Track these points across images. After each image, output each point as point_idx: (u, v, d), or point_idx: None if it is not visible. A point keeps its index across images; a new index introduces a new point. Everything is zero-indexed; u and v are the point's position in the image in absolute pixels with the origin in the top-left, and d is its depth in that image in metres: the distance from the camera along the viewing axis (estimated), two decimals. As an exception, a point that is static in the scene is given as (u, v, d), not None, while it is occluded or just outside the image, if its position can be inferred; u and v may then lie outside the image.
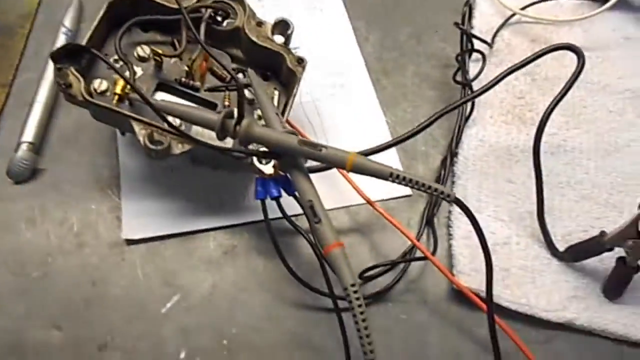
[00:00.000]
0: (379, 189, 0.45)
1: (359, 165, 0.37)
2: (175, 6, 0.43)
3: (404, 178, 0.36)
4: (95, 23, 0.42)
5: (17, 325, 0.39)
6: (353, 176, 0.45)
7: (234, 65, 0.47)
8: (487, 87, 0.44)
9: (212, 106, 0.45)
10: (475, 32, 0.57)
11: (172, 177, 0.46)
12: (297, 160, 0.39)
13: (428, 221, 0.46)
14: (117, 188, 0.45)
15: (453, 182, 0.49)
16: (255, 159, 0.40)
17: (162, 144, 0.39)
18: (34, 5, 0.55)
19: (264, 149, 0.40)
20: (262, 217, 0.41)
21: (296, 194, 0.40)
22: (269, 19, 0.46)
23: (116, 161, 0.47)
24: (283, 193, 0.40)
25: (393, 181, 0.36)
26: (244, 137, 0.38)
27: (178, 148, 0.40)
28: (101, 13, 0.42)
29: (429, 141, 0.51)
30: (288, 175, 0.40)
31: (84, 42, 0.41)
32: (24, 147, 0.45)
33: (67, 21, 0.53)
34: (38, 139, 0.46)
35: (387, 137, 0.51)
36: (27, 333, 0.39)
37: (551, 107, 0.44)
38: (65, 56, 0.37)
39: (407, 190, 0.48)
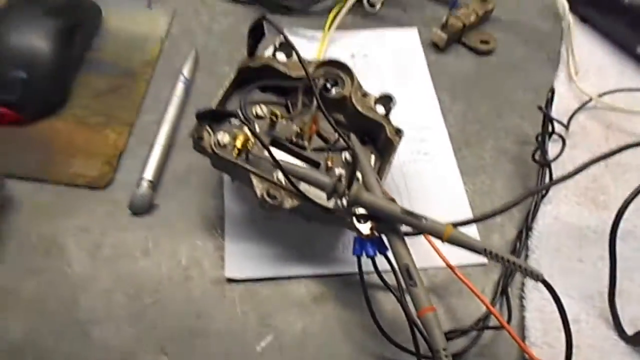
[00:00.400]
0: (455, 255, 0.48)
1: (455, 237, 0.41)
2: (298, 75, 0.49)
3: (497, 255, 0.40)
4: (226, 84, 0.48)
5: (130, 347, 0.44)
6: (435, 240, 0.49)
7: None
8: (571, 174, 0.48)
9: (315, 165, 0.50)
10: (552, 113, 0.61)
11: (271, 224, 0.51)
12: (395, 225, 0.43)
13: (503, 290, 0.50)
14: (222, 229, 0.50)
15: (527, 256, 0.52)
16: (355, 219, 0.44)
17: (277, 199, 0.44)
18: (156, 54, 0.62)
19: (363, 211, 0.44)
20: (349, 270, 0.45)
21: (388, 254, 0.44)
22: (369, 84, 0.51)
23: (222, 204, 0.52)
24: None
25: (486, 256, 0.40)
26: (352, 201, 0.43)
27: (289, 203, 0.45)
28: (232, 77, 0.48)
29: (506, 214, 0.55)
30: (383, 237, 0.44)
31: (216, 103, 0.46)
32: (144, 183, 0.51)
33: (185, 70, 0.60)
34: (156, 178, 0.52)
35: (465, 205, 0.55)
36: (138, 355, 0.44)
37: (631, 198, 0.47)
38: (207, 117, 0.42)
39: (483, 259, 0.52)
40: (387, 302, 0.48)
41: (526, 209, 0.55)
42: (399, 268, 0.42)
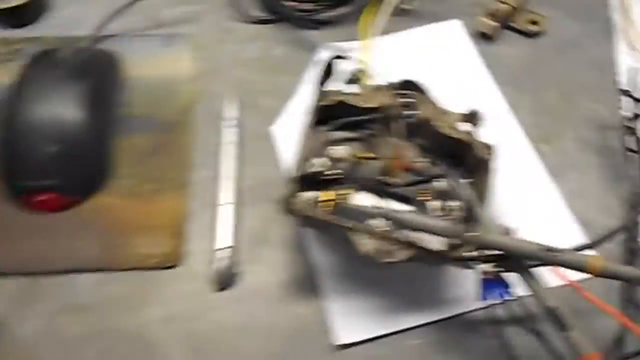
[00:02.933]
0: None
1: (609, 271, 0.36)
2: (372, 105, 0.43)
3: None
4: (305, 135, 0.42)
5: None
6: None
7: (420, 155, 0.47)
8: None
9: (406, 200, 0.45)
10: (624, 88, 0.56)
11: (371, 273, 0.46)
12: (524, 262, 0.39)
13: (628, 299, 0.46)
14: (316, 287, 0.45)
15: (645, 257, 0.48)
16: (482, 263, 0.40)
17: (390, 255, 0.39)
18: (189, 97, 0.56)
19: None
20: (466, 308, 0.41)
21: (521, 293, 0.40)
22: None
23: (310, 259, 0.47)
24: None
25: (643, 285, 0.36)
26: (477, 245, 0.38)
27: (404, 255, 0.40)
28: (310, 124, 0.43)
29: (606, 212, 0.51)
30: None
31: (301, 161, 0.41)
32: (223, 252, 0.45)
33: (228, 112, 0.54)
34: (234, 242, 0.46)
35: (562, 210, 0.51)
36: None
37: None
38: (306, 181, 0.37)
39: (600, 268, 0.48)
40: (522, 342, 0.43)
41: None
42: (548, 312, 0.38)
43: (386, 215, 0.39)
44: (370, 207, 0.39)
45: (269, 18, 0.62)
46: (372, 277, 0.46)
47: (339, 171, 0.42)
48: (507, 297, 0.39)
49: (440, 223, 0.38)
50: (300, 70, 0.58)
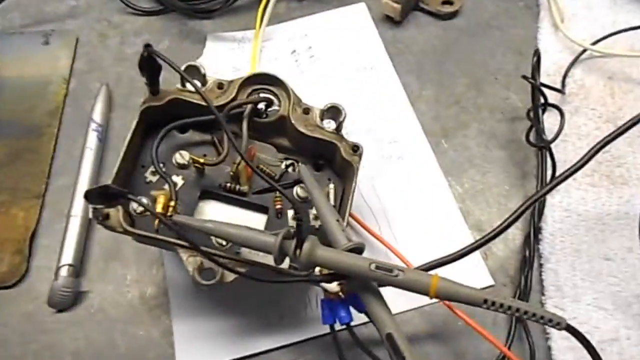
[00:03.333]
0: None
1: (446, 291, 0.31)
2: (218, 103, 0.38)
3: (503, 305, 0.30)
4: (128, 137, 0.38)
5: None
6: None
7: (281, 156, 0.42)
8: (578, 166, 0.38)
9: (263, 210, 0.40)
10: (542, 76, 0.50)
11: (224, 291, 0.41)
12: (369, 282, 0.34)
13: (518, 317, 0.40)
14: (167, 306, 0.41)
15: (541, 265, 0.42)
16: (316, 282, 0.35)
17: (214, 276, 0.35)
18: (60, 99, 0.52)
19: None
20: (324, 330, 0.36)
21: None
22: (319, 83, 0.41)
23: (163, 274, 0.42)
24: (353, 312, 0.35)
25: (488, 308, 0.31)
26: (306, 263, 0.33)
27: (231, 276, 0.35)
28: (134, 125, 0.38)
29: (506, 214, 0.45)
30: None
31: (113, 175, 0.36)
32: (63, 271, 0.41)
33: (96, 115, 0.49)
34: (78, 260, 0.42)
35: (456, 214, 0.45)
36: None
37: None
38: (99, 197, 0.32)
39: (488, 280, 0.42)
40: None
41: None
42: (382, 338, 0.33)
43: (205, 230, 0.34)
44: (195, 220, 0.35)
45: (157, 9, 0.57)
46: (222, 298, 0.41)
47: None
48: (345, 321, 0.34)
49: (262, 237, 0.33)
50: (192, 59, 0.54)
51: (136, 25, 0.57)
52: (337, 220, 0.36)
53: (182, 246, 0.35)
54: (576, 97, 0.50)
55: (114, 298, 0.42)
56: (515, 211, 0.37)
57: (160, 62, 0.36)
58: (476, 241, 0.36)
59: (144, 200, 0.38)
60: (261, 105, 0.41)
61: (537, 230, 0.43)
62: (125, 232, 0.35)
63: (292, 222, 0.40)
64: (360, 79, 0.53)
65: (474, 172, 0.47)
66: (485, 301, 0.31)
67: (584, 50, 0.52)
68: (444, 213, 0.45)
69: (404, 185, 0.47)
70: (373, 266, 0.32)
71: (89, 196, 0.32)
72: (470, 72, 0.53)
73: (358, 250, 0.35)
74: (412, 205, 0.46)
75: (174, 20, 0.57)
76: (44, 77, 0.53)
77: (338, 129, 0.41)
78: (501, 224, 0.37)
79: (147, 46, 0.34)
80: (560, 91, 0.49)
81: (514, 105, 0.51)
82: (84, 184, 0.46)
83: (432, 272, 0.35)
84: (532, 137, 0.46)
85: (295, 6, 0.58)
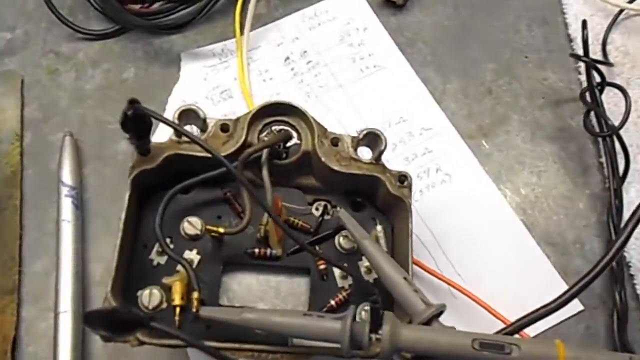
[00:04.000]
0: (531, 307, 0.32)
1: (577, 362, 0.24)
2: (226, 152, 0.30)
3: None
4: (122, 217, 0.29)
5: None
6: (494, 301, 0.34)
7: (309, 197, 0.34)
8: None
9: (303, 272, 0.33)
10: (573, 45, 0.44)
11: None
12: None
13: (623, 343, 0.34)
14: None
15: (632, 277, 0.36)
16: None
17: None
18: (16, 160, 0.42)
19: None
20: None
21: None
22: (323, 94, 0.33)
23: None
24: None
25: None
26: (389, 350, 0.26)
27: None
28: (126, 200, 0.29)
29: (577, 219, 0.39)
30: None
31: (115, 258, 0.28)
32: (66, 389, 0.33)
33: (66, 176, 0.40)
34: (80, 369, 0.34)
35: (519, 229, 0.38)
36: None
37: None
38: (106, 325, 0.24)
39: (576, 305, 0.36)
40: None
41: (601, 205, 0.38)
42: None
43: (246, 324, 0.26)
44: (229, 313, 0.27)
45: (113, 29, 0.47)
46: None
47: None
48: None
49: (323, 323, 0.26)
50: (163, 91, 0.45)
51: (91, 53, 0.47)
52: (405, 279, 0.29)
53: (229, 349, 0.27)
54: (623, 67, 0.44)
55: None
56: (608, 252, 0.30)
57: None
58: (577, 282, 0.29)
59: (155, 292, 0.29)
60: (279, 146, 0.33)
61: (618, 235, 0.37)
62: (142, 344, 0.27)
63: (341, 283, 0.32)
64: (370, 83, 0.44)
65: (528, 175, 0.41)
66: (631, 368, 0.24)
67: (621, 11, 0.45)
68: (506, 230, 0.38)
69: (450, 203, 0.39)
70: (477, 344, 0.25)
71: (90, 323, 0.23)
72: (496, 54, 0.46)
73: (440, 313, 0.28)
74: (466, 227, 0.39)
75: (136, 40, 0.48)
76: (-10, 135, 0.43)
77: (378, 159, 0.33)
78: (599, 263, 0.30)
79: (132, 102, 0.25)
80: (608, 63, 0.42)
81: (554, 87, 0.44)
82: (67, 269, 0.37)
83: (527, 329, 0.28)
84: (590, 124, 0.39)
85: (277, 3, 0.49)
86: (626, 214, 0.38)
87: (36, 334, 0.36)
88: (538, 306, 0.29)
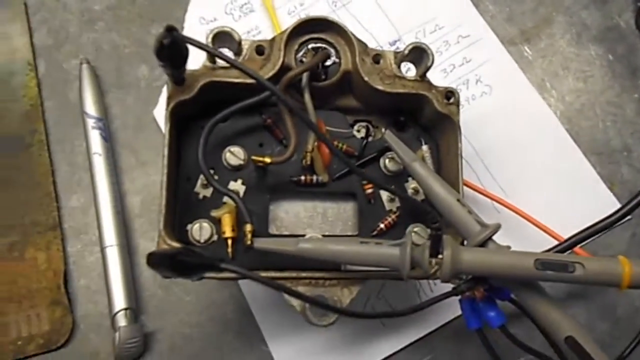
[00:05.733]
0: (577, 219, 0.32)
1: (641, 279, 0.24)
2: (264, 75, 0.28)
3: None
4: (165, 152, 0.28)
5: None
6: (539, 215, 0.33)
7: (350, 118, 0.33)
8: None
9: (350, 197, 0.32)
10: None
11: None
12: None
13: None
14: (256, 328, 0.34)
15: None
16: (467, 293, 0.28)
17: (329, 306, 0.27)
18: (34, 93, 0.40)
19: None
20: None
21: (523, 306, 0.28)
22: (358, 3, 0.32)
23: (238, 290, 0.35)
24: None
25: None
26: (450, 273, 0.26)
27: (348, 295, 0.28)
28: (166, 133, 0.28)
29: (624, 126, 0.37)
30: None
31: (163, 215, 0.27)
32: (121, 320, 0.34)
33: (89, 107, 0.38)
34: (133, 300, 0.35)
35: (564, 139, 0.37)
36: None
37: None
38: (170, 267, 0.23)
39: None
40: None
41: (651, 110, 0.37)
42: (559, 345, 0.26)
43: (304, 254, 0.26)
44: (284, 243, 0.27)
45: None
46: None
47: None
48: (499, 323, 0.28)
49: (381, 250, 0.26)
50: (178, 8, 0.42)
51: (95, -31, 0.43)
52: (458, 200, 0.28)
53: (287, 289, 0.27)
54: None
55: (186, 331, 0.35)
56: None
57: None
58: (633, 198, 0.28)
59: (205, 225, 0.29)
60: (319, 65, 0.30)
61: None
62: (202, 278, 0.27)
63: (389, 206, 0.32)
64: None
65: (573, 80, 0.39)
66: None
67: None
68: (550, 141, 0.37)
69: (492, 116, 0.38)
70: (539, 264, 0.25)
71: (154, 265, 0.23)
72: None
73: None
74: (508, 140, 0.37)
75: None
76: (1, 68, 0.41)
77: (423, 75, 0.31)
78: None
79: (170, 30, 0.23)
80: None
81: (600, -18, 0.40)
82: (106, 203, 0.36)
83: (579, 245, 0.28)
84: (639, 21, 0.37)
85: None
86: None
87: (85, 267, 0.36)
88: (583, 218, 0.29)
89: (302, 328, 0.34)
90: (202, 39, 0.28)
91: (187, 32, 0.41)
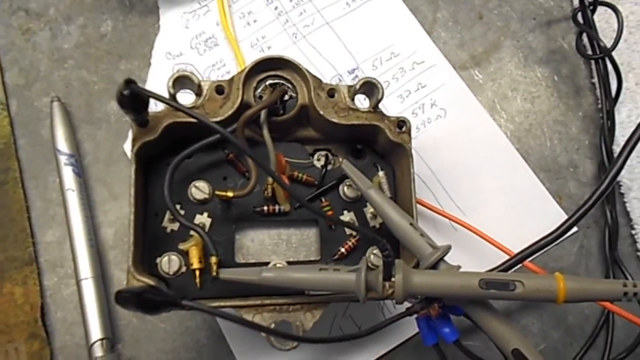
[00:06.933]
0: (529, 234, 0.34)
1: (576, 293, 0.26)
2: (225, 115, 0.30)
3: (646, 295, 0.26)
4: (132, 192, 0.29)
5: None
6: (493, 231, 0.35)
7: (309, 148, 0.35)
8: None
9: (311, 224, 0.34)
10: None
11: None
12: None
13: (614, 259, 0.37)
14: (228, 349, 0.36)
15: (622, 195, 0.38)
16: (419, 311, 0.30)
17: (291, 331, 0.29)
18: (7, 132, 0.41)
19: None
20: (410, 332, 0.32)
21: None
22: (316, 35, 0.33)
23: (215, 324, 0.37)
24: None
25: (630, 300, 0.26)
26: (402, 296, 0.27)
27: (311, 318, 0.30)
28: (133, 174, 0.29)
29: (570, 143, 0.40)
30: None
31: (131, 253, 0.28)
32: (98, 350, 0.35)
33: (61, 143, 0.40)
34: (109, 330, 0.36)
35: (514, 157, 0.39)
36: None
37: None
38: (137, 304, 0.25)
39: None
40: None
41: (594, 127, 0.39)
42: (505, 355, 0.28)
43: (266, 282, 0.28)
44: (248, 273, 0.28)
45: (82, -21, 0.45)
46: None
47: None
48: (453, 339, 0.29)
49: (337, 276, 0.27)
50: (145, 44, 0.43)
51: (62, 7, 0.45)
52: (411, 224, 0.30)
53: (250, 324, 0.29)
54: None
55: (162, 358, 0.36)
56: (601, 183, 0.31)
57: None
58: (574, 213, 0.30)
59: (174, 258, 0.31)
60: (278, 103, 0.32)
61: (610, 155, 0.38)
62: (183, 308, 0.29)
63: (349, 231, 0.33)
64: (357, 17, 0.43)
65: (521, 101, 0.41)
66: (626, 294, 0.26)
67: None
68: (502, 159, 0.40)
69: (446, 138, 0.40)
70: (484, 284, 0.27)
71: (122, 303, 0.25)
72: (485, -26, 0.44)
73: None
74: (463, 160, 0.40)
75: (108, -11, 0.45)
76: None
77: (375, 107, 0.33)
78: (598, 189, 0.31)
79: (128, 83, 0.25)
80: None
81: (544, 6, 0.43)
82: (80, 236, 0.37)
83: (529, 259, 0.30)
84: (582, 46, 0.39)
85: None
86: (618, 134, 0.39)
87: (62, 300, 0.37)
88: (534, 232, 0.31)
89: (273, 351, 0.35)
90: (169, 73, 0.29)
91: (154, 67, 0.42)
